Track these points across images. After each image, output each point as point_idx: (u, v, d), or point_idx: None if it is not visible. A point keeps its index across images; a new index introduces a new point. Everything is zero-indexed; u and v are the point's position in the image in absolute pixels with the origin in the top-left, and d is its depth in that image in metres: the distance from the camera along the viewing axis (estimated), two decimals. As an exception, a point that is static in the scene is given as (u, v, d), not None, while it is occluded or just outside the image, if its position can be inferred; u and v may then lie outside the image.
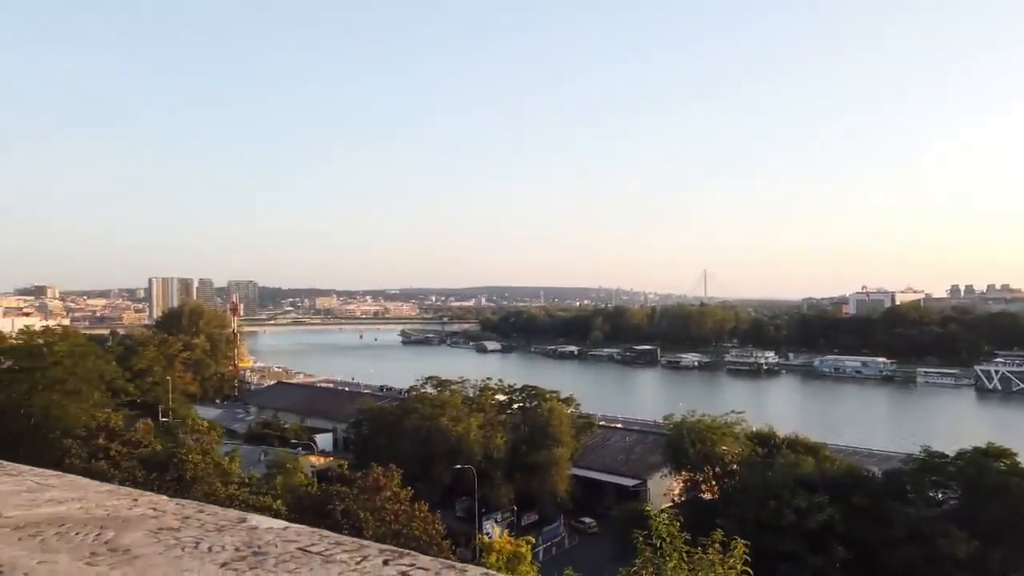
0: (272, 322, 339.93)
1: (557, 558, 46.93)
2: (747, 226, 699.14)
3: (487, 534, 44.08)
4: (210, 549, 1.31)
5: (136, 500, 1.67)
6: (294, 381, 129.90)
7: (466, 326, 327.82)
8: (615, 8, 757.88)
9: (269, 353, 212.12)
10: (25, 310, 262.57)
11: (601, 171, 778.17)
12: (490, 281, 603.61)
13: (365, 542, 1.36)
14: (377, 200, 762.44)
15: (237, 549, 1.31)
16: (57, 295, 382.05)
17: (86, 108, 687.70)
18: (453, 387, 65.61)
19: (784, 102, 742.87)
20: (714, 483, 51.19)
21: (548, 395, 63.40)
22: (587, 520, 54.88)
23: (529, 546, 29.69)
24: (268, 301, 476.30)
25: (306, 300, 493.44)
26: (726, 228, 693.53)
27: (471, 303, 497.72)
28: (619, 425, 76.43)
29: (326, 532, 1.46)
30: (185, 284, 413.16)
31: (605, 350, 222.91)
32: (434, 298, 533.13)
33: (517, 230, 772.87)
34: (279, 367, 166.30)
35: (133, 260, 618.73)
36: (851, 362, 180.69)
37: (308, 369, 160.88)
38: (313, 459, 62.48)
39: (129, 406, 59.04)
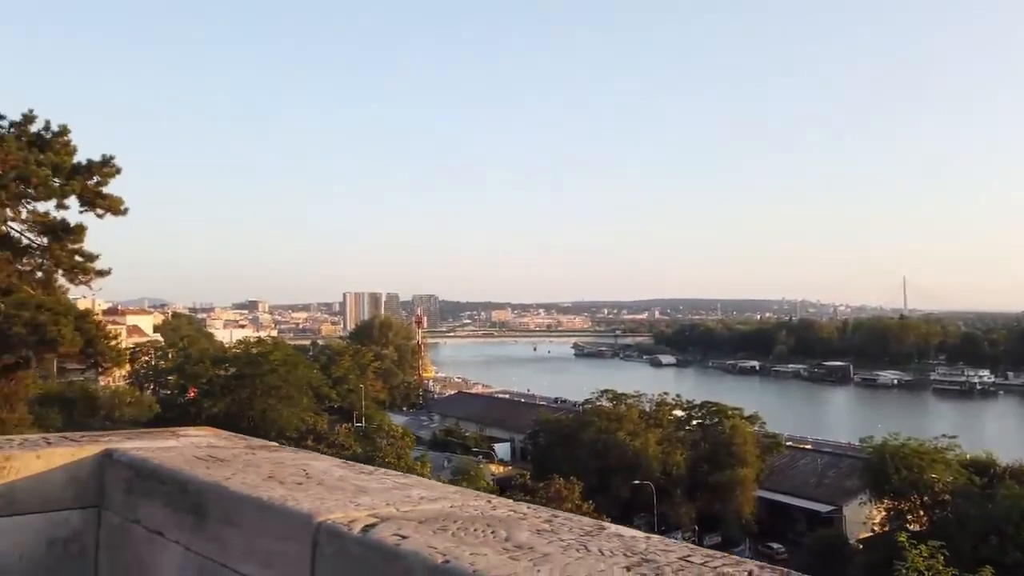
0: (452, 334, 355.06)
1: (743, 583, 44.75)
2: (955, 228, 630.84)
3: (668, 553, 43.08)
4: (601, 552, 1.43)
5: (490, 502, 1.85)
6: (473, 391, 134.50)
7: (639, 339, 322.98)
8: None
9: (449, 364, 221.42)
10: (240, 322, 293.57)
11: (784, 178, 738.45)
12: (664, 293, 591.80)
13: (740, 559, 1.42)
14: (550, 214, 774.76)
15: (626, 555, 1.42)
16: (267, 309, 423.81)
17: (272, 134, 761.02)
18: (629, 401, 65.00)
19: (991, 96, 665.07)
20: (922, 513, 46.75)
21: (730, 412, 61.12)
22: (775, 546, 51.97)
23: (715, 569, 28.67)
24: (448, 314, 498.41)
25: (482, 313, 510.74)
26: (930, 231, 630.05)
27: (644, 316, 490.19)
28: (809, 446, 71.75)
29: (687, 544, 1.53)
30: (374, 298, 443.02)
31: (790, 366, 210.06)
32: (606, 311, 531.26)
33: (691, 241, 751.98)
34: (459, 377, 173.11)
35: (329, 276, 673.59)
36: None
37: (485, 380, 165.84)
38: (493, 467, 64.38)
39: (328, 411, 64.28)
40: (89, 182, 24.06)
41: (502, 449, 77.51)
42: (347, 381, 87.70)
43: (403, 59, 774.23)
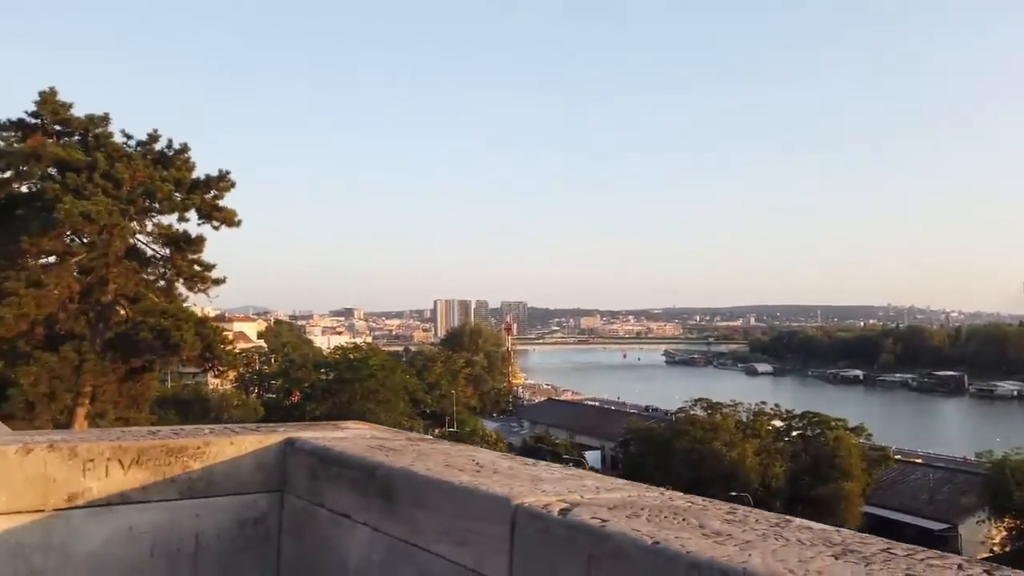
0: (540, 341, 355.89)
1: (849, 603, 42.81)
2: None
3: (768, 568, 41.74)
4: (800, 541, 1.46)
5: (663, 493, 1.91)
6: (562, 398, 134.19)
7: (733, 347, 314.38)
8: None
9: (538, 370, 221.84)
10: (337, 329, 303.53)
11: (890, 176, 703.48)
12: (759, 300, 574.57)
13: (944, 553, 1.42)
14: (639, 220, 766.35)
15: (826, 544, 1.45)
16: (362, 316, 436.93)
17: (366, 146, 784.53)
18: (724, 410, 63.54)
19: None
20: (1048, 534, 43.63)
21: (833, 423, 58.81)
22: (884, 564, 49.48)
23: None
24: (536, 321, 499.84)
25: (571, 320, 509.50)
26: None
27: (739, 323, 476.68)
28: (920, 460, 68.02)
29: (873, 536, 1.54)
30: (464, 305, 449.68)
31: (897, 375, 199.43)
32: (698, 317, 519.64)
33: (789, 245, 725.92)
34: (548, 384, 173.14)
35: (420, 284, 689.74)
36: None
37: (574, 387, 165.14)
38: (585, 475, 64.06)
39: (422, 415, 65.70)
40: (207, 196, 25.80)
41: (592, 457, 76.94)
42: (439, 387, 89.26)
43: (480, 73, 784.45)
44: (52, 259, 25.32)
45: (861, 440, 59.16)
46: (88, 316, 25.51)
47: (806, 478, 53.77)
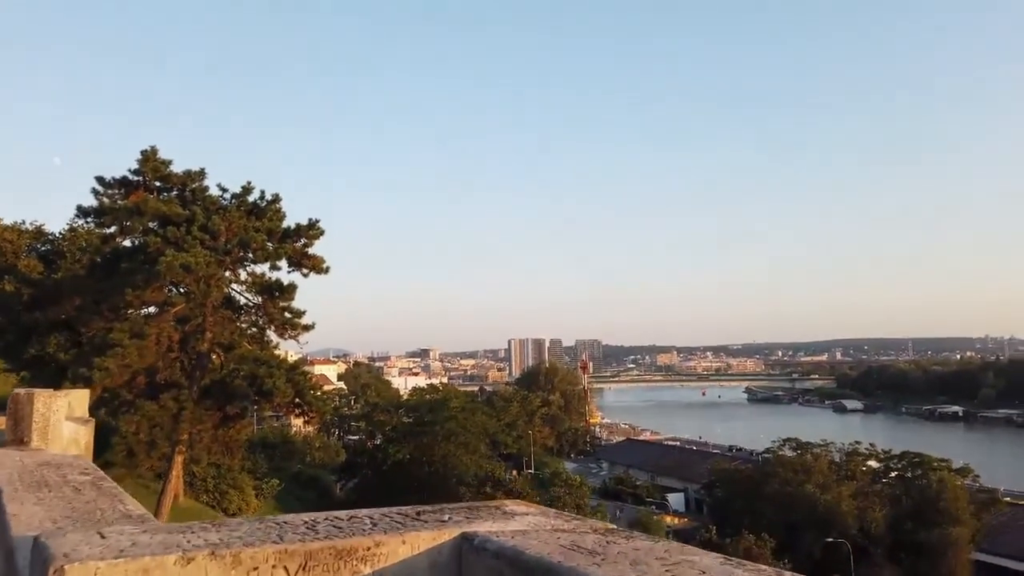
0: (616, 379, 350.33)
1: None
2: None
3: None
4: None
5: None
6: (641, 438, 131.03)
7: (819, 383, 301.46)
8: None
9: (615, 409, 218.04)
10: (414, 370, 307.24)
11: (985, 200, 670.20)
12: (845, 333, 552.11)
13: None
14: (714, 254, 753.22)
15: None
16: (437, 356, 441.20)
17: (445, 196, 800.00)
18: (815, 450, 60.94)
19: None
20: None
21: (935, 463, 55.58)
22: (998, 617, 45.87)
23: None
24: (611, 359, 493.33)
25: (647, 357, 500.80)
26: None
27: (824, 357, 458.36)
28: (1033, 503, 63.09)
29: None
30: (538, 344, 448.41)
31: (1000, 411, 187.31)
32: (780, 353, 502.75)
33: (875, 275, 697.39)
34: (626, 423, 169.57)
35: (494, 324, 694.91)
36: None
37: (653, 426, 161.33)
38: (668, 519, 62.01)
39: (500, 457, 64.96)
40: (297, 244, 26.49)
41: (676, 499, 74.53)
42: (516, 427, 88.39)
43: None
44: (152, 310, 26.38)
45: (967, 482, 55.87)
46: (184, 365, 26.32)
47: (909, 523, 50.78)
